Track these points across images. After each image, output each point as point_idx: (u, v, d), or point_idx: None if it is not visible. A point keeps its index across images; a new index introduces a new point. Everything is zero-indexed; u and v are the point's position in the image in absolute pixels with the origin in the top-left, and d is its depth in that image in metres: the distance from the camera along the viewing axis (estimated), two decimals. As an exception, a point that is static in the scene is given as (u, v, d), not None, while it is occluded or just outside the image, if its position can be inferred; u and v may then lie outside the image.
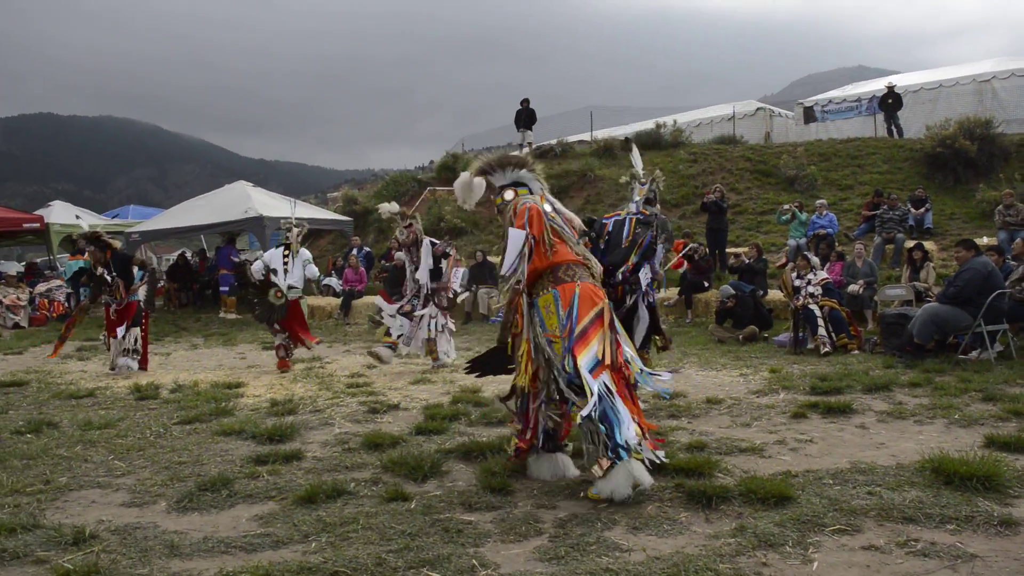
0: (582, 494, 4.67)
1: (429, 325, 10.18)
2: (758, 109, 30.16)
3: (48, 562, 3.84)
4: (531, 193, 5.28)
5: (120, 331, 10.25)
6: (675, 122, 26.60)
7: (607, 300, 4.95)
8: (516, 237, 4.88)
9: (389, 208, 10.66)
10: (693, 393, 7.84)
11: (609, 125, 35.20)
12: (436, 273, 10.32)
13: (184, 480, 5.22)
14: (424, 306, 10.21)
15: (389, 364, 10.13)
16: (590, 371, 4.61)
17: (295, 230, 11.29)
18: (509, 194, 5.26)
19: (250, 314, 11.27)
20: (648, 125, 26.92)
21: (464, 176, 5.43)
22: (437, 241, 10.57)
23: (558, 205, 5.36)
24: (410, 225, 10.35)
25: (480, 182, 5.38)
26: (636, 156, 7.61)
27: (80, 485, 5.21)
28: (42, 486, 5.17)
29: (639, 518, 4.25)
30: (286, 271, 10.92)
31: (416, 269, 10.33)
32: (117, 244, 10.82)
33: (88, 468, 5.63)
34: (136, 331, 10.42)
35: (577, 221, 5.47)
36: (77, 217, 23.05)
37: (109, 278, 10.29)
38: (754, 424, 6.49)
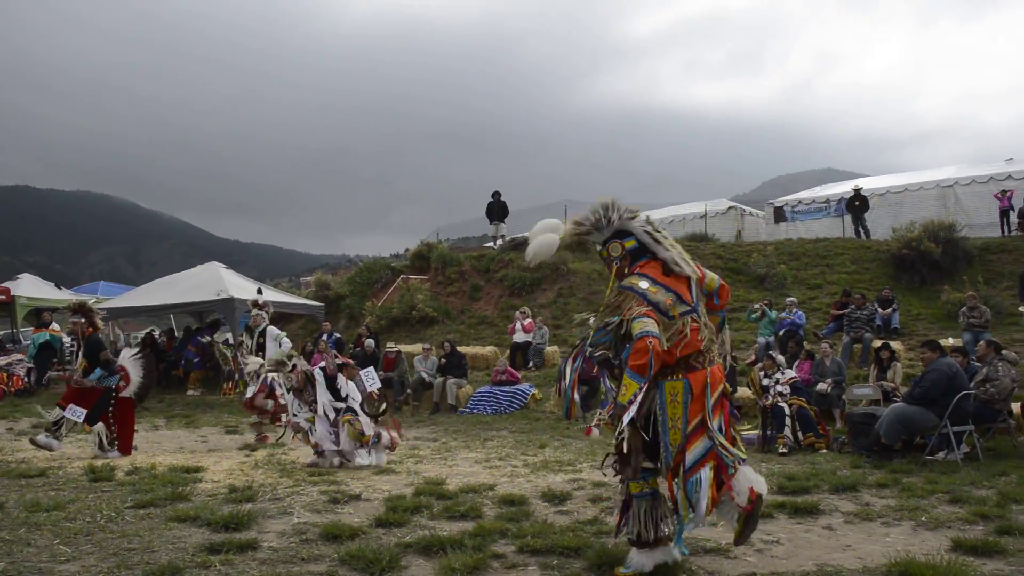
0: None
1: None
2: (729, 208, 30.79)
3: (-21, 655, 3.65)
4: (638, 245, 5.11)
5: (72, 409, 9.91)
6: (648, 218, 27.00)
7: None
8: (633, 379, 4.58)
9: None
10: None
11: (583, 219, 35.66)
12: (337, 392, 9.50)
13: (132, 568, 5.02)
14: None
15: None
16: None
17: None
18: (616, 248, 5.15)
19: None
20: (621, 221, 27.33)
21: (545, 239, 5.29)
22: (322, 364, 9.89)
23: (674, 254, 5.07)
24: (294, 368, 9.60)
25: (553, 245, 5.24)
26: None
27: (19, 571, 4.98)
28: (-23, 573, 4.95)
29: (601, 620, 4.13)
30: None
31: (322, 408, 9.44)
32: (101, 325, 10.67)
33: (30, 553, 5.40)
34: (100, 425, 10.15)
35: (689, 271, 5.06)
36: (59, 287, 23.09)
37: (77, 354, 10.10)
38: (720, 524, 6.37)
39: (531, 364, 17.37)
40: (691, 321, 4.79)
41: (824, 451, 10.46)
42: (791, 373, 11.67)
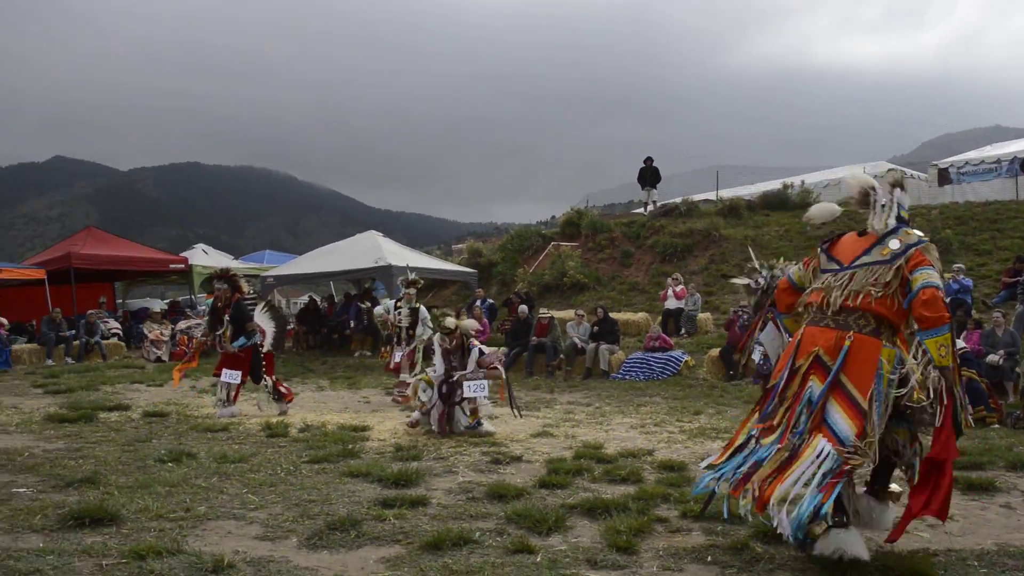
0: (709, 558, 4.58)
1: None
2: (889, 170, 29.24)
3: (190, 589, 4.01)
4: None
5: (227, 372, 10.44)
6: (803, 182, 26.09)
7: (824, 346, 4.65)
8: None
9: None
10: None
11: (734, 184, 34.83)
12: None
13: (314, 518, 5.37)
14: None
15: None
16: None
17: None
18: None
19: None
20: (775, 185, 26.54)
21: (828, 206, 5.58)
22: (486, 350, 9.77)
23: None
24: (456, 330, 9.46)
25: (835, 212, 5.45)
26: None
27: (217, 515, 5.43)
28: (183, 513, 5.41)
29: (770, 587, 4.12)
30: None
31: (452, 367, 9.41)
32: (246, 288, 11.13)
33: (224, 499, 5.86)
34: (267, 380, 10.78)
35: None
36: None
37: (224, 319, 10.51)
38: (889, 497, 6.20)
39: (683, 331, 17.22)
40: (822, 280, 4.93)
41: (996, 426, 9.95)
42: (960, 344, 11.10)
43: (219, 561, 4.34)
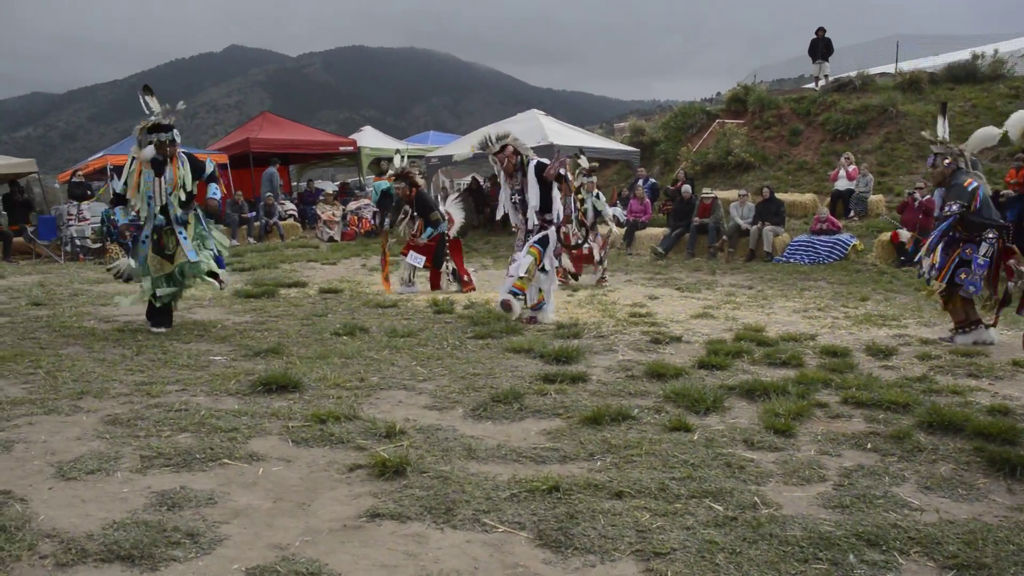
0: (869, 445, 4.53)
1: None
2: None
3: (366, 449, 4.33)
4: None
5: (412, 255, 10.97)
6: (996, 52, 23.83)
7: None
8: None
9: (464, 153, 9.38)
10: (996, 353, 7.19)
11: (917, 56, 32.30)
12: (547, 205, 8.52)
13: (479, 390, 5.62)
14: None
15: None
16: None
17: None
18: None
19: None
20: (963, 56, 24.35)
21: (987, 131, 5.03)
22: (546, 160, 8.60)
23: None
24: (504, 148, 8.56)
25: (994, 137, 4.97)
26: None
27: (389, 386, 5.77)
28: (358, 383, 5.79)
29: (931, 478, 4.05)
30: None
31: (518, 205, 8.70)
32: (421, 183, 11.61)
33: (395, 371, 6.22)
34: (449, 264, 11.28)
35: None
36: (397, 151, 25.23)
37: (412, 215, 11.06)
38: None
39: (852, 213, 16.52)
40: None
41: None
42: None
43: (391, 427, 4.65)
